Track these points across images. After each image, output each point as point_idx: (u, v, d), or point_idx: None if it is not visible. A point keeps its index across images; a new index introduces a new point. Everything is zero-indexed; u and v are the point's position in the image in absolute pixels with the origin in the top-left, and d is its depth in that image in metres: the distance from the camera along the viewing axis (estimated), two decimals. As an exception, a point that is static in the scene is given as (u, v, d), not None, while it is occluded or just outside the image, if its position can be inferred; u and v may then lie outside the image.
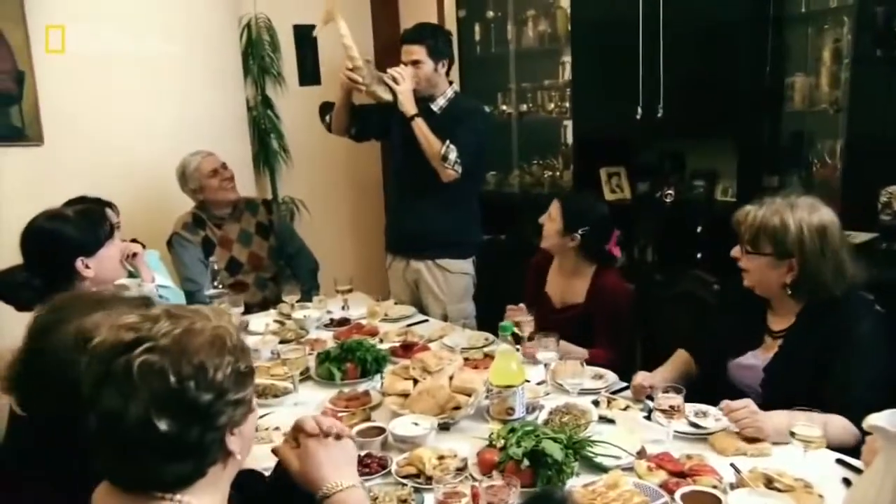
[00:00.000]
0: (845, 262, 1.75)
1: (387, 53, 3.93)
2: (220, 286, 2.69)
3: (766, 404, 1.67)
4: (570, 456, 1.49)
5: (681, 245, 3.17)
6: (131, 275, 2.59)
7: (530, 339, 2.20)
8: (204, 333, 0.95)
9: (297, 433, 1.24)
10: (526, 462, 1.44)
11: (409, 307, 2.89)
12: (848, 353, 1.70)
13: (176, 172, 3.12)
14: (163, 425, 0.89)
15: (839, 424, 1.59)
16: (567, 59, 3.56)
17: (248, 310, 2.83)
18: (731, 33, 2.79)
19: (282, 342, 2.44)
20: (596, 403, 1.87)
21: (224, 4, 3.63)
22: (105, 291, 1.72)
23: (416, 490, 1.49)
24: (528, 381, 1.86)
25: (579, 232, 2.37)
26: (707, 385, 1.93)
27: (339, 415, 1.83)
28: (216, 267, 2.82)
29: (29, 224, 1.96)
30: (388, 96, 2.87)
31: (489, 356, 2.17)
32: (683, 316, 2.51)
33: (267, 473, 1.37)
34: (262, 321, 2.72)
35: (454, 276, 3.00)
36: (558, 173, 3.82)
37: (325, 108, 3.14)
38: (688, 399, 1.69)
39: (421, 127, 2.80)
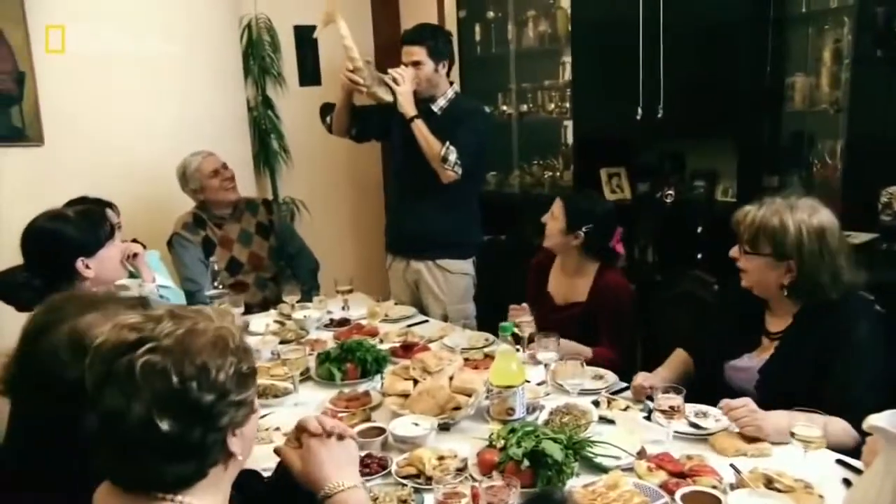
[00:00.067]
0: (842, 267, 1.75)
1: (387, 54, 3.93)
2: (221, 286, 2.69)
3: (762, 406, 1.66)
4: (570, 456, 1.49)
5: (681, 245, 3.17)
6: (132, 275, 2.59)
7: (531, 339, 2.20)
8: (206, 334, 0.95)
9: (300, 433, 1.24)
10: (526, 462, 1.44)
11: (410, 307, 2.89)
12: (847, 353, 1.70)
13: (176, 173, 3.12)
14: (165, 425, 0.89)
15: (839, 426, 1.59)
16: (567, 59, 3.56)
17: (249, 310, 2.83)
18: (731, 33, 2.79)
19: (282, 342, 2.44)
20: (596, 404, 1.87)
21: (224, 4, 3.63)
22: (100, 292, 1.73)
23: (416, 490, 1.49)
24: (528, 381, 1.86)
25: (583, 230, 2.37)
26: (706, 385, 1.93)
27: (340, 415, 1.83)
28: (216, 267, 2.82)
29: (29, 224, 1.97)
30: (388, 97, 2.87)
31: (489, 356, 2.17)
32: (683, 316, 2.51)
33: (267, 474, 1.37)
34: (262, 321, 2.72)
35: (454, 277, 3.00)
36: (559, 174, 3.82)
37: (326, 109, 3.15)
38: (686, 400, 1.69)
39: (420, 128, 2.80)
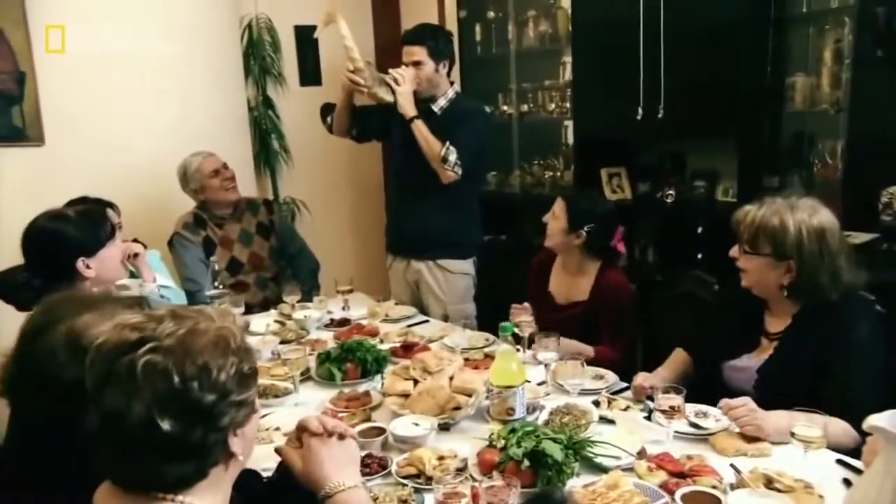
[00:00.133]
0: (842, 269, 1.75)
1: (387, 54, 3.93)
2: (221, 286, 2.69)
3: (760, 406, 1.66)
4: (570, 456, 1.49)
5: (681, 245, 3.17)
6: (133, 275, 2.59)
7: (531, 339, 2.20)
8: (208, 334, 0.95)
9: (301, 433, 1.24)
10: (526, 462, 1.45)
11: (410, 307, 2.89)
12: (847, 353, 1.70)
13: (177, 173, 3.13)
14: (165, 425, 0.89)
15: (839, 426, 1.59)
16: (568, 59, 3.56)
17: (249, 310, 2.83)
18: (731, 34, 2.79)
19: (282, 342, 2.45)
20: (596, 404, 1.87)
21: (225, 4, 3.63)
22: (97, 292, 1.73)
23: (417, 490, 1.49)
24: (528, 381, 1.86)
25: (585, 229, 2.37)
26: (705, 386, 1.93)
27: (340, 415, 1.83)
28: (217, 267, 2.83)
29: (30, 224, 1.97)
30: (389, 98, 2.88)
31: (489, 356, 2.17)
32: (683, 316, 2.51)
33: (268, 474, 1.37)
34: (262, 321, 2.72)
35: (455, 277, 3.01)
36: (559, 174, 3.82)
37: (327, 110, 3.15)
38: (686, 400, 1.69)
39: (420, 129, 2.80)
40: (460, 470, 1.54)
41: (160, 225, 3.12)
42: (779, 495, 1.38)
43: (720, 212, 2.83)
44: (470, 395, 1.81)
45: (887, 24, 2.42)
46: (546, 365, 2.03)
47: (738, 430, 1.66)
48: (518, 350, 2.12)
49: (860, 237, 2.42)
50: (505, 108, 3.99)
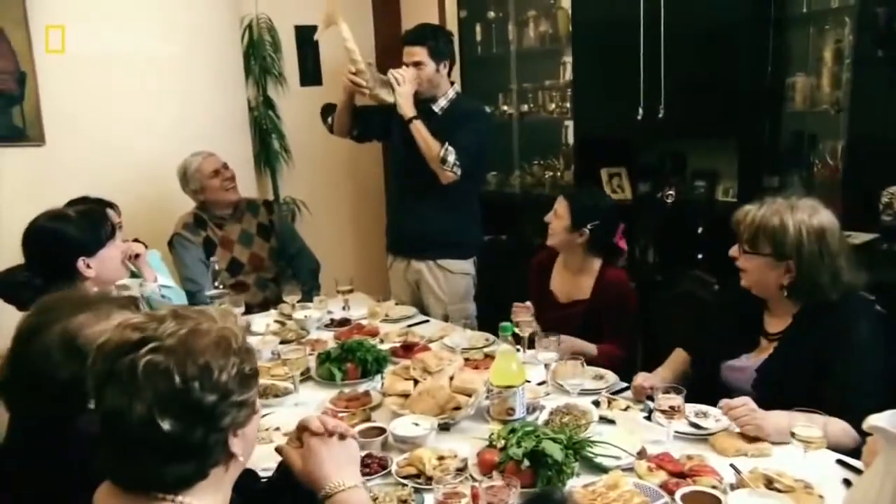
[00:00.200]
0: (842, 269, 1.75)
1: (388, 54, 3.93)
2: (221, 286, 2.69)
3: (759, 405, 1.66)
4: (570, 456, 1.49)
5: (681, 245, 3.17)
6: (133, 275, 2.60)
7: (531, 339, 2.21)
8: (209, 334, 0.95)
9: (301, 433, 1.25)
10: (526, 462, 1.45)
11: (410, 307, 2.89)
12: (847, 353, 1.70)
13: (177, 173, 3.13)
14: (166, 425, 0.89)
15: (839, 426, 1.59)
16: (568, 59, 3.56)
17: (249, 310, 2.84)
18: (732, 34, 2.79)
19: (282, 342, 2.45)
20: (596, 404, 1.87)
21: (225, 5, 3.63)
22: (92, 292, 1.73)
23: (417, 490, 1.49)
24: (528, 381, 1.86)
25: (588, 227, 2.38)
26: (705, 386, 1.93)
27: (340, 415, 1.83)
28: (217, 267, 2.83)
29: (31, 224, 1.97)
30: (390, 98, 2.88)
31: (490, 356, 2.17)
32: (683, 316, 2.51)
33: (268, 474, 1.37)
34: (262, 321, 2.72)
35: (455, 277, 3.01)
36: (559, 174, 3.82)
37: (328, 110, 3.15)
38: (686, 400, 1.69)
39: (420, 129, 2.80)
40: (460, 470, 1.54)
41: (160, 225, 3.12)
42: (779, 495, 1.38)
43: (720, 212, 2.83)
44: (470, 395, 1.81)
45: (887, 24, 2.42)
46: (546, 365, 2.03)
47: (738, 430, 1.66)
48: (518, 350, 2.12)
49: (860, 237, 2.42)
50: (505, 108, 3.99)
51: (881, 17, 2.43)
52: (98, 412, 0.93)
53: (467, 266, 3.04)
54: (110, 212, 2.44)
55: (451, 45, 2.98)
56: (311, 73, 4.38)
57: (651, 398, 1.80)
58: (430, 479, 1.51)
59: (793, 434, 1.50)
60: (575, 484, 1.47)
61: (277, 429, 1.79)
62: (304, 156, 4.36)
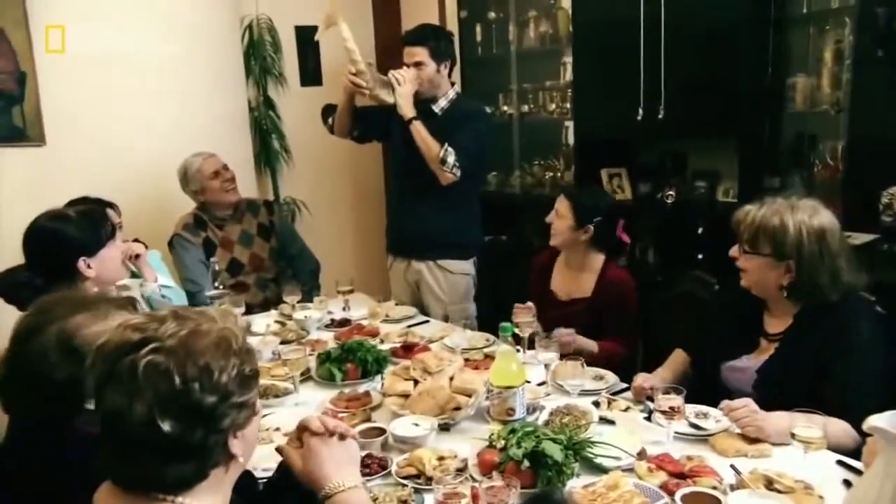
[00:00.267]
0: (842, 269, 1.75)
1: (388, 55, 3.94)
2: (221, 287, 2.69)
3: (760, 406, 1.66)
4: (570, 457, 1.49)
5: (682, 246, 3.17)
6: (134, 275, 2.60)
7: (531, 340, 2.21)
8: (210, 335, 0.96)
9: (302, 433, 1.25)
10: (526, 463, 1.45)
11: (410, 308, 2.89)
12: (847, 354, 1.70)
13: (177, 173, 3.13)
14: (166, 426, 0.89)
15: (839, 427, 1.59)
16: (568, 59, 3.55)
17: (249, 310, 2.83)
18: (732, 34, 2.79)
19: (283, 343, 2.45)
20: (596, 404, 1.87)
21: (225, 5, 3.63)
22: (90, 293, 1.73)
23: (417, 491, 1.49)
24: (528, 381, 1.86)
25: (592, 224, 2.41)
26: (705, 386, 1.93)
27: (340, 415, 1.83)
28: (217, 268, 2.82)
29: (31, 224, 1.97)
30: (391, 99, 2.88)
31: (490, 357, 2.17)
32: (684, 317, 2.51)
33: (268, 474, 1.37)
34: (263, 322, 2.72)
35: (455, 277, 3.01)
36: (559, 174, 3.81)
37: (328, 111, 3.15)
38: (686, 401, 1.69)
39: (419, 130, 2.80)
40: (460, 470, 1.54)
41: (160, 225, 3.12)
42: (779, 496, 1.38)
43: (721, 212, 2.82)
44: (470, 396, 1.81)
45: (887, 24, 2.42)
46: (546, 365, 2.03)
47: (738, 430, 1.66)
48: (518, 350, 2.13)
49: (860, 238, 2.42)
50: (505, 108, 3.99)
51: (881, 18, 2.43)
52: (98, 412, 0.93)
53: (467, 266, 3.04)
54: (110, 212, 2.44)
55: (451, 46, 2.98)
56: (311, 74, 4.39)
57: (651, 399, 1.80)
58: (430, 480, 1.51)
59: (793, 435, 1.51)
60: (575, 484, 1.47)
61: (277, 429, 1.79)
62: (305, 156, 4.36)
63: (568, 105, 3.63)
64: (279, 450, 1.28)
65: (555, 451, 1.45)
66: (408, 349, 2.31)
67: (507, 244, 3.77)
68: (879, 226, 2.50)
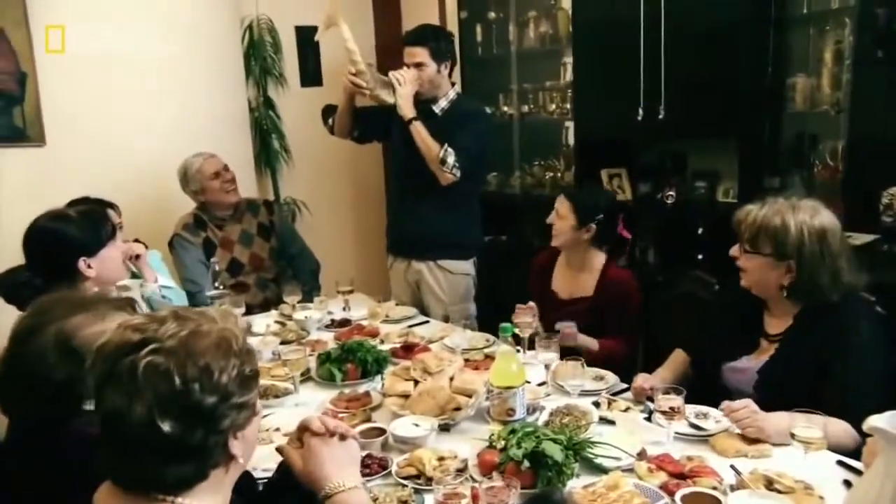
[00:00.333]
0: (843, 270, 1.75)
1: (388, 55, 3.94)
2: (221, 287, 2.69)
3: (761, 406, 1.66)
4: (570, 457, 1.49)
5: (682, 246, 3.17)
6: (134, 276, 2.60)
7: (532, 340, 2.21)
8: (210, 336, 0.95)
9: (302, 433, 1.25)
10: (526, 463, 1.45)
11: (411, 308, 2.89)
12: (848, 354, 1.70)
13: (177, 173, 3.13)
14: (166, 427, 0.89)
15: (839, 427, 1.59)
16: (568, 59, 3.55)
17: (250, 311, 2.83)
18: (732, 34, 2.79)
19: (283, 343, 2.45)
20: (596, 405, 1.87)
21: (226, 5, 3.63)
22: (89, 293, 1.73)
23: (417, 491, 1.50)
24: (528, 382, 1.86)
25: (594, 222, 2.41)
26: (706, 387, 1.93)
27: (340, 415, 1.84)
28: (217, 268, 2.83)
29: (32, 224, 1.98)
30: (391, 99, 2.88)
31: (490, 357, 2.17)
32: (684, 317, 2.51)
33: (268, 474, 1.37)
34: (263, 322, 2.72)
35: (455, 277, 3.01)
36: (559, 174, 3.82)
37: (328, 111, 3.15)
38: (686, 401, 1.69)
39: (419, 130, 2.80)
40: (460, 471, 1.54)
41: (160, 225, 3.12)
42: (779, 496, 1.38)
43: (721, 212, 2.82)
44: (470, 396, 1.81)
45: (887, 24, 2.42)
46: (546, 366, 2.03)
47: (738, 430, 1.66)
48: (518, 351, 2.13)
49: (861, 238, 2.42)
50: (506, 108, 3.99)
51: (881, 18, 2.43)
52: (98, 413, 0.93)
53: (467, 267, 3.04)
54: (111, 212, 2.44)
55: (452, 46, 2.98)
56: (311, 74, 4.39)
57: (651, 399, 1.80)
58: (430, 480, 1.51)
59: (793, 435, 1.51)
60: (575, 485, 1.47)
61: (278, 429, 1.79)
62: (305, 156, 4.36)
63: (568, 105, 3.63)
64: (280, 450, 1.28)
65: (555, 452, 1.45)
66: (408, 349, 2.31)
67: (507, 244, 3.77)
68: (879, 226, 2.50)
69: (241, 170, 3.39)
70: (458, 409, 1.80)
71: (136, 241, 2.72)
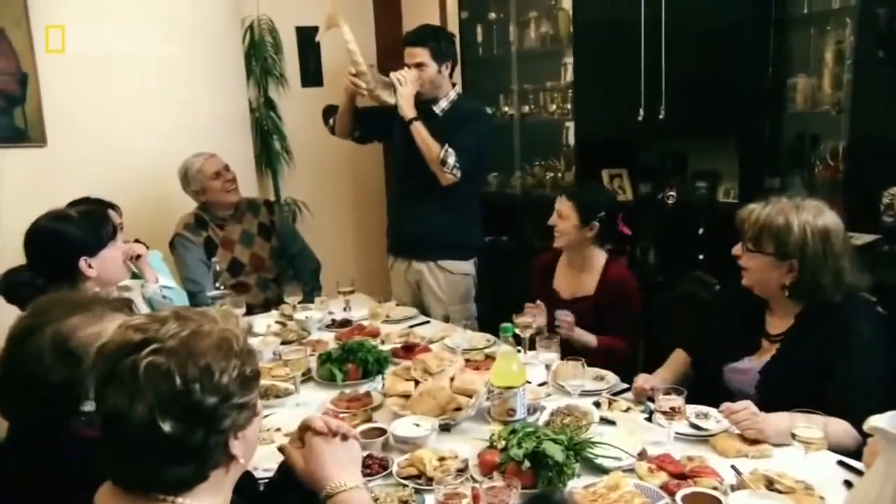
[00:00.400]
0: (845, 270, 1.75)
1: (389, 55, 3.94)
2: (222, 287, 2.70)
3: (762, 407, 1.66)
4: (570, 457, 1.49)
5: (682, 246, 3.17)
6: (135, 276, 2.60)
7: (532, 340, 2.21)
8: (211, 336, 0.96)
9: (303, 433, 1.25)
10: (527, 463, 1.45)
11: (411, 308, 2.89)
12: (849, 355, 1.69)
13: (178, 173, 3.13)
14: (167, 427, 0.89)
15: (840, 427, 1.59)
16: (569, 60, 3.55)
17: (250, 311, 2.84)
18: (733, 34, 2.79)
19: (283, 343, 2.45)
20: (597, 405, 1.87)
21: (226, 5, 3.63)
22: (87, 294, 1.73)
23: (417, 491, 1.50)
24: (529, 382, 1.86)
25: (597, 220, 2.42)
26: (706, 387, 1.93)
27: (341, 416, 1.83)
28: (218, 268, 2.83)
29: (33, 224, 1.98)
30: (392, 100, 2.88)
31: (490, 357, 2.17)
32: (685, 317, 2.51)
33: (269, 474, 1.37)
34: (263, 322, 2.72)
35: (456, 278, 3.01)
36: (560, 175, 3.81)
37: (329, 112, 3.15)
38: (687, 401, 1.69)
39: (420, 131, 2.80)
40: (461, 471, 1.54)
41: (161, 225, 3.12)
42: (779, 497, 1.38)
43: (721, 213, 2.83)
44: (471, 396, 1.81)
45: (888, 24, 2.42)
46: (547, 366, 2.03)
47: (738, 431, 1.66)
48: (519, 351, 2.13)
49: (861, 238, 2.42)
50: (506, 109, 3.99)
51: (882, 18, 2.43)
52: (99, 413, 0.93)
53: (468, 267, 3.04)
54: (112, 212, 2.44)
55: (452, 47, 2.98)
56: (312, 75, 4.39)
57: (652, 399, 1.80)
58: (430, 480, 1.51)
59: (793, 435, 1.51)
60: (575, 485, 1.47)
61: (278, 429, 1.79)
62: (305, 157, 4.36)
63: (569, 106, 3.63)
64: (281, 449, 1.28)
65: (555, 452, 1.45)
66: (408, 350, 2.31)
67: (507, 245, 3.77)
68: (880, 226, 2.50)
69: (242, 170, 3.39)
70: (458, 409, 1.80)
71: (137, 241, 2.72)
